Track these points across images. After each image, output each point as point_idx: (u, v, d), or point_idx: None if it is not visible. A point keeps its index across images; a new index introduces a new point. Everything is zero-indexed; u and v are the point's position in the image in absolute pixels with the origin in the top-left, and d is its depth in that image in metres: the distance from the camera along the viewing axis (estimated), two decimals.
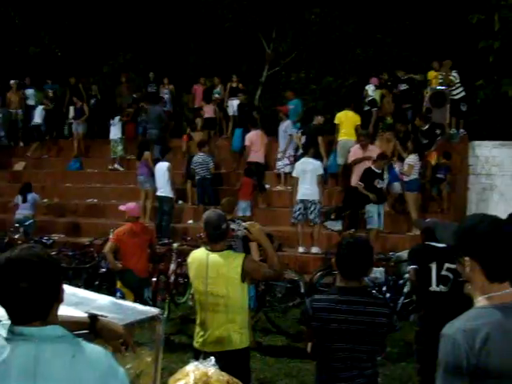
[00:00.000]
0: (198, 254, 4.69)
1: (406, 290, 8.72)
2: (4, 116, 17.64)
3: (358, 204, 11.37)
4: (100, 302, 3.26)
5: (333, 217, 11.80)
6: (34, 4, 19.88)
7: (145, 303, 6.72)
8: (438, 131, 13.04)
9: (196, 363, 2.45)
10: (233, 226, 6.25)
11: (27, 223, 12.19)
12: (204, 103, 16.55)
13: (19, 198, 12.72)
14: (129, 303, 4.00)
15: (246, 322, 4.75)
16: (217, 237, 4.56)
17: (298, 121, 14.40)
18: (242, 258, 4.54)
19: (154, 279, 9.00)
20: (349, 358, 3.47)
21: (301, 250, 11.23)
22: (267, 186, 13.81)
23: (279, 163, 14.06)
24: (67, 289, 2.21)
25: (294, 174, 11.59)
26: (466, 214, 12.01)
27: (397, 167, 12.23)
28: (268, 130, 14.24)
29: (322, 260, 10.49)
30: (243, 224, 4.87)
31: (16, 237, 11.41)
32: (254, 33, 18.74)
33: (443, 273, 5.29)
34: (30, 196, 12.78)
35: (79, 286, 7.13)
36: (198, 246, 5.83)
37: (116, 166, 16.03)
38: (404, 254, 8.64)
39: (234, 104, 16.17)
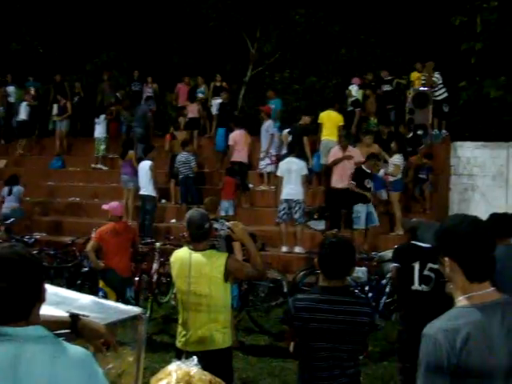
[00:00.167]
0: (181, 254, 4.68)
1: (388, 289, 8.77)
2: None
3: (340, 204, 11.41)
4: (82, 302, 3.25)
5: (316, 216, 11.84)
6: (15, 0, 19.69)
7: (127, 302, 6.68)
8: (420, 132, 13.15)
9: (178, 363, 2.45)
10: (216, 225, 6.22)
11: (9, 221, 12.08)
12: (189, 102, 16.51)
13: (5, 190, 12.79)
14: (111, 303, 3.99)
15: (229, 321, 4.74)
16: (200, 236, 4.55)
17: (278, 118, 14.44)
18: (225, 257, 4.54)
19: (137, 278, 8.98)
20: (331, 357, 3.48)
21: (284, 249, 11.24)
22: (250, 186, 13.82)
23: (262, 163, 14.07)
24: (49, 288, 2.20)
25: (278, 174, 11.58)
26: (448, 214, 12.10)
27: (382, 170, 12.15)
28: (251, 129, 14.25)
29: (305, 260, 10.52)
30: (226, 223, 4.87)
31: None
32: (239, 32, 18.73)
33: (426, 273, 5.32)
34: (16, 189, 12.85)
35: (61, 286, 7.10)
36: (180, 246, 5.82)
37: (99, 165, 15.94)
38: (387, 254, 8.68)
39: (217, 103, 16.15)
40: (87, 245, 8.35)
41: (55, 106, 17.21)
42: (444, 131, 14.30)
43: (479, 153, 13.16)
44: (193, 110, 16.18)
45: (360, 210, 10.95)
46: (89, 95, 18.12)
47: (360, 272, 8.93)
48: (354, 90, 15.02)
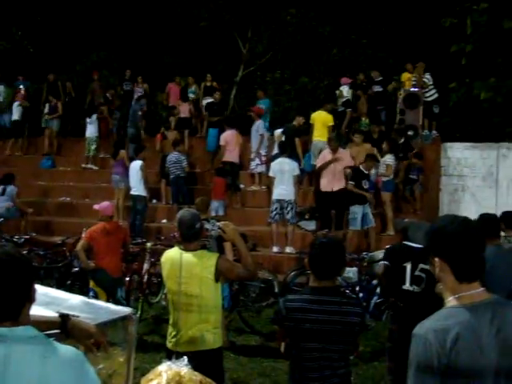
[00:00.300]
0: (172, 254, 4.67)
1: (378, 290, 8.79)
2: None
3: (330, 206, 11.43)
4: (72, 302, 3.24)
5: (307, 217, 11.86)
6: None
7: (118, 303, 6.66)
8: (410, 132, 13.20)
9: (169, 363, 2.46)
10: (207, 225, 6.25)
11: None
12: (180, 102, 16.48)
13: None
14: (101, 303, 3.98)
15: (220, 321, 4.74)
16: (190, 236, 4.55)
17: (266, 118, 14.48)
18: (216, 257, 4.54)
19: (127, 279, 8.93)
20: (321, 357, 3.48)
21: (275, 249, 11.25)
22: (242, 186, 13.82)
23: (252, 163, 14.08)
24: (39, 288, 2.19)
25: (270, 174, 11.58)
26: (439, 215, 12.15)
27: (373, 171, 12.14)
28: (243, 129, 14.25)
29: (296, 260, 10.53)
30: (217, 224, 4.86)
31: None
32: (230, 32, 18.73)
33: (417, 273, 5.33)
34: (10, 188, 12.65)
35: (51, 286, 7.06)
36: (171, 246, 5.81)
37: (89, 165, 15.89)
38: (378, 254, 8.69)
39: (205, 103, 16.13)
40: (77, 245, 8.32)
41: (47, 106, 17.13)
42: (434, 132, 14.36)
43: (469, 154, 13.23)
44: (184, 110, 16.16)
45: (356, 211, 11.00)
46: (79, 95, 18.06)
47: (351, 272, 8.95)
48: (346, 91, 15.05)
